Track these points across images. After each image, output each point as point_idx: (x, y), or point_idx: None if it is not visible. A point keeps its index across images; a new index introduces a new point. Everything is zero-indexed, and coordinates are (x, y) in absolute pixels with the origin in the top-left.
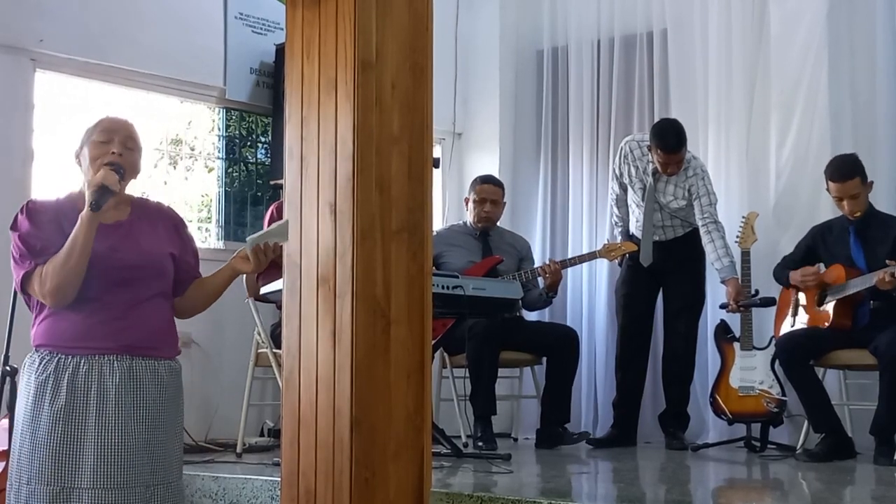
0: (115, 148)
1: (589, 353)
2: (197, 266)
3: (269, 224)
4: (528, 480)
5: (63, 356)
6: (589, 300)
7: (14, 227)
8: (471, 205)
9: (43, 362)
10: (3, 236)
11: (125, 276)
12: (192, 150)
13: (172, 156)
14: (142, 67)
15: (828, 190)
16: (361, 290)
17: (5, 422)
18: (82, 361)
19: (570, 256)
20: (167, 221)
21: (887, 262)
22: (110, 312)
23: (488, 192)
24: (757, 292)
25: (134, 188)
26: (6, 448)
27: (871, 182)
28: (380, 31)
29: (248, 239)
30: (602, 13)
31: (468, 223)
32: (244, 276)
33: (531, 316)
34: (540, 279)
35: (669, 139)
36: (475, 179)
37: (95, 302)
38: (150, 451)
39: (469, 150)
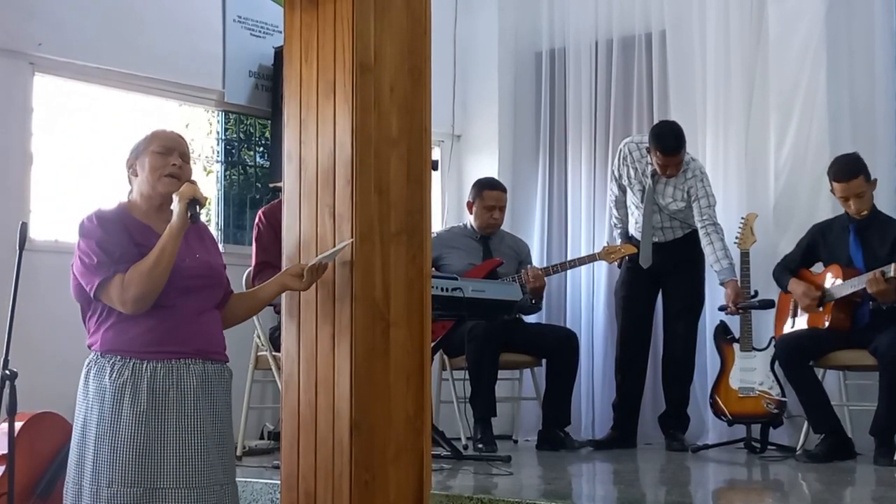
0: (175, 160)
1: (588, 356)
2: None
3: (258, 229)
4: (528, 482)
5: (137, 361)
6: (588, 302)
7: (86, 234)
8: (476, 210)
9: (116, 367)
10: (5, 242)
11: (194, 284)
12: (191, 153)
13: None
14: (140, 71)
15: (832, 191)
16: (360, 292)
17: (4, 426)
18: (159, 366)
19: (569, 259)
20: (209, 236)
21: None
22: (181, 318)
23: (497, 198)
24: (756, 293)
25: None
26: (5, 452)
27: (875, 180)
28: (378, 34)
29: (315, 259)
30: (600, 15)
31: (468, 225)
32: (243, 279)
33: (531, 318)
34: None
35: (668, 141)
36: (479, 184)
37: (167, 309)
38: (221, 451)
39: (468, 152)
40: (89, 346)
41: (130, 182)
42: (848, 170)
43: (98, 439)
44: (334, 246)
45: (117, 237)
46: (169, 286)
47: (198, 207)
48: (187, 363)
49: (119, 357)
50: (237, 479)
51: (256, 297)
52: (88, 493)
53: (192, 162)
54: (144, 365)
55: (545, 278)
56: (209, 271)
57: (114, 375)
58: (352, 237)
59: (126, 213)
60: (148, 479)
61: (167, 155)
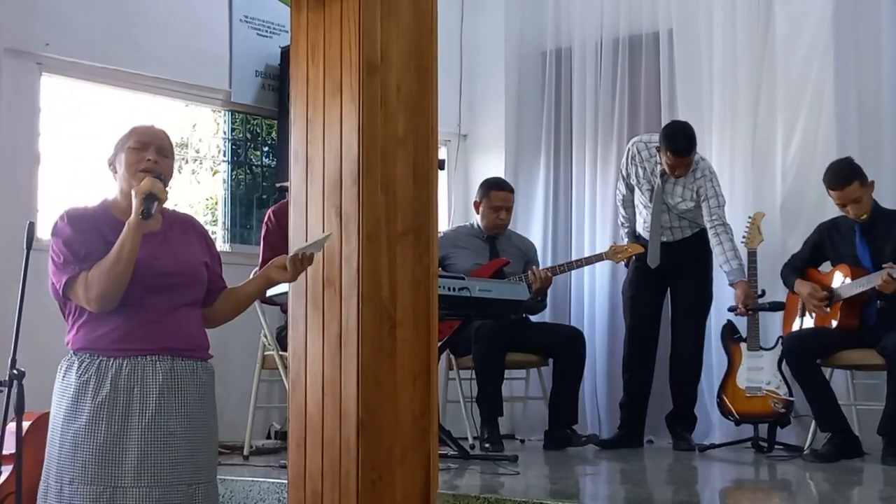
0: (151, 155)
1: (593, 355)
2: (222, 276)
3: (267, 227)
4: (535, 482)
5: (105, 358)
6: (592, 301)
7: (56, 233)
8: (483, 210)
9: (83, 365)
10: (13, 242)
11: (164, 282)
12: (198, 153)
13: (178, 159)
14: (147, 71)
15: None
16: (367, 292)
17: (12, 425)
18: (125, 363)
19: (575, 258)
20: (197, 232)
21: (883, 266)
22: (149, 316)
23: (504, 199)
24: (763, 292)
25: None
26: (12, 452)
27: (872, 182)
28: (385, 33)
29: (295, 249)
30: (606, 14)
31: (475, 225)
32: (249, 278)
33: (537, 317)
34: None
35: (679, 142)
36: (487, 184)
37: (135, 307)
38: (192, 450)
39: (474, 152)
40: (67, 344)
41: (115, 180)
42: (841, 177)
43: (62, 436)
44: (341, 246)
45: (85, 235)
46: (137, 284)
47: (155, 203)
48: (153, 360)
49: (88, 354)
50: (243, 478)
51: (245, 293)
52: (54, 490)
53: (179, 159)
54: (110, 362)
55: (552, 277)
56: (183, 268)
57: (80, 372)
58: (358, 237)
59: (105, 211)
60: (108, 477)
61: (143, 150)
